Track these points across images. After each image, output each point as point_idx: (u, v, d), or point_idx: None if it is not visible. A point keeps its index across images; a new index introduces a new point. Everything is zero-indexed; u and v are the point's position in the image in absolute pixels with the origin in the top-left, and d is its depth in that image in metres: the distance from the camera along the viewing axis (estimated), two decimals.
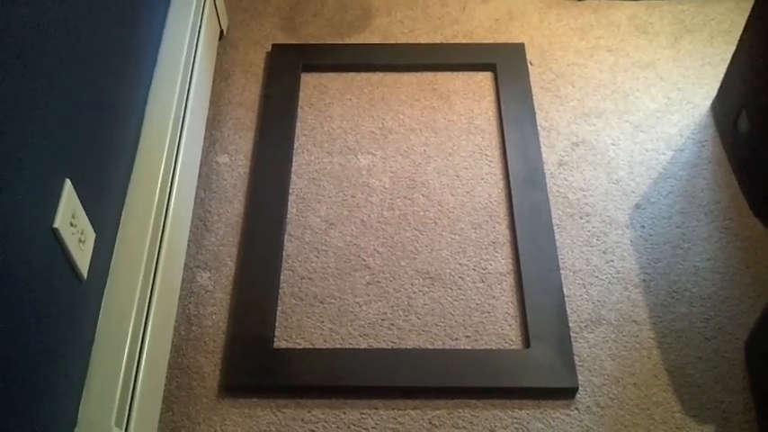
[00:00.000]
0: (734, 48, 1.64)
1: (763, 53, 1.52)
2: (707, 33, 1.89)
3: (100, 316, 1.18)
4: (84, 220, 1.10)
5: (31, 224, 0.95)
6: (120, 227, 1.29)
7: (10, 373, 0.90)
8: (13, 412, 0.90)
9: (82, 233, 1.09)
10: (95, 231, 1.15)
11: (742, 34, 1.60)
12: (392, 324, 1.43)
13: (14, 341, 0.91)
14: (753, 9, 1.56)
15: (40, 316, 0.97)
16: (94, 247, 1.15)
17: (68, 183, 1.05)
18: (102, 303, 1.20)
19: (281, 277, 1.49)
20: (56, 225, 1.00)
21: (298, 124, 1.72)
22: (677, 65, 1.82)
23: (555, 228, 1.55)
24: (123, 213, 1.30)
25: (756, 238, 1.54)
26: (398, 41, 1.88)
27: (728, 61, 1.67)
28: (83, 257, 1.10)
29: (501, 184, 1.62)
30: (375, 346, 1.41)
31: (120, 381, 1.13)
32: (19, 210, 0.92)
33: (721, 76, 1.72)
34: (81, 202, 1.09)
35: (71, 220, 1.05)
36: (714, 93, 1.75)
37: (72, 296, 1.07)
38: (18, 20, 0.93)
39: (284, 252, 1.52)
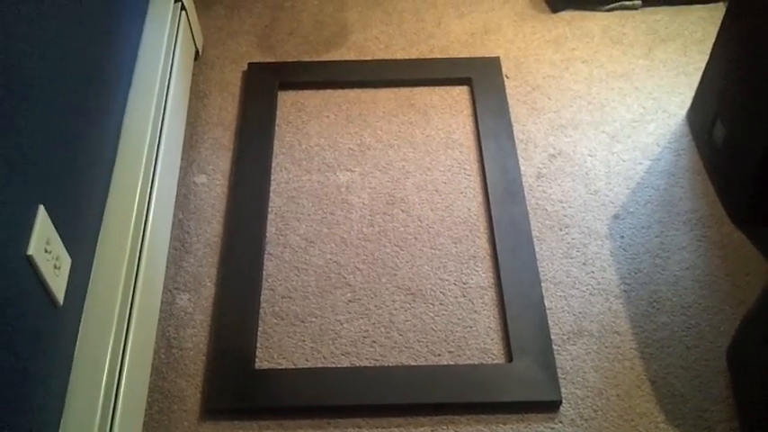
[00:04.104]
0: (707, 57, 1.65)
1: (735, 62, 1.53)
2: (680, 43, 1.90)
3: (78, 342, 1.17)
4: (59, 246, 1.09)
5: (5, 252, 0.94)
6: (96, 251, 1.27)
7: None
8: None
9: (57, 259, 1.08)
10: (71, 257, 1.14)
11: (715, 43, 1.62)
12: (374, 341, 1.43)
13: None
14: (724, 19, 1.57)
15: (16, 343, 0.96)
16: (70, 273, 1.14)
17: (42, 209, 1.04)
18: (80, 329, 1.18)
19: (262, 297, 1.48)
20: (30, 252, 0.99)
21: (275, 142, 1.71)
22: (652, 75, 1.84)
23: (534, 240, 1.55)
24: (100, 237, 1.29)
25: (735, 246, 1.55)
26: (375, 57, 1.88)
27: (702, 70, 1.68)
28: (58, 283, 1.09)
29: (480, 198, 1.62)
30: (357, 365, 1.40)
31: (100, 406, 1.12)
32: None
33: (695, 85, 1.74)
34: (56, 227, 1.08)
35: (45, 246, 1.04)
36: (689, 102, 1.76)
37: (48, 323, 1.06)
38: None
39: (264, 272, 1.51)
